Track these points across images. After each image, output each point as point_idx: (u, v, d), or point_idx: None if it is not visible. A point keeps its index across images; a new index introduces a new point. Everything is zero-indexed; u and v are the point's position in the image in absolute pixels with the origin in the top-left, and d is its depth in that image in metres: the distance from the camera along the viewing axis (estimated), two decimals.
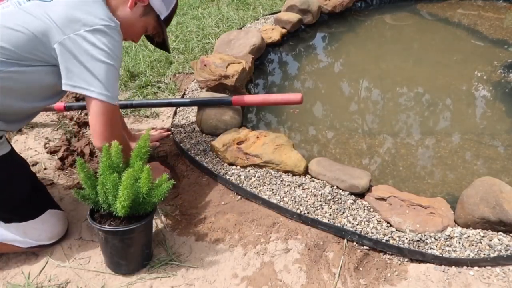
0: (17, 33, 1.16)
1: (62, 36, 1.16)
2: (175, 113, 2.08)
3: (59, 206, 1.45)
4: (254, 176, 1.62)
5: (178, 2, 1.48)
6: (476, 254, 1.27)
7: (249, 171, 1.65)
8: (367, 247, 1.36)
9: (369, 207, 1.46)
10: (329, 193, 1.51)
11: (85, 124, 2.05)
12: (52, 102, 1.37)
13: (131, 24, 1.36)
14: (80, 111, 2.09)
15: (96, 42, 1.18)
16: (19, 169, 1.35)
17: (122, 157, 1.23)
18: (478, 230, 1.34)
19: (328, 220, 1.41)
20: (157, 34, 1.51)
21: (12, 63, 1.17)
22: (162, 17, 1.41)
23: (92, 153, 1.81)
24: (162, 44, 1.57)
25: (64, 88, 1.21)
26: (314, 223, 1.43)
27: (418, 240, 1.32)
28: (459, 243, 1.31)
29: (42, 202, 1.39)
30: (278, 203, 1.49)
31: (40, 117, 2.11)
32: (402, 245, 1.31)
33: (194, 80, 2.38)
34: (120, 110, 2.13)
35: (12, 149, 1.34)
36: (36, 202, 1.37)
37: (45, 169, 1.76)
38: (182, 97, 2.24)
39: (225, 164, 1.69)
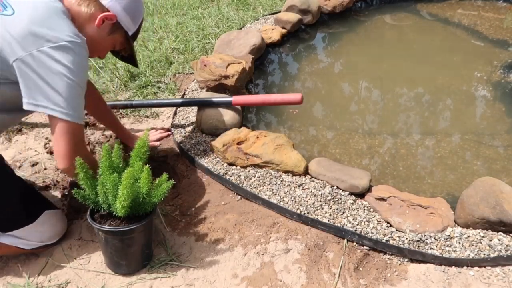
0: None
1: (23, 53, 1.10)
2: (175, 113, 2.08)
3: (54, 205, 1.44)
4: (254, 176, 1.62)
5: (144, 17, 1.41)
6: (476, 254, 1.27)
7: (249, 171, 1.65)
8: (367, 247, 1.36)
9: (369, 207, 1.46)
10: (329, 193, 1.51)
11: (85, 124, 2.05)
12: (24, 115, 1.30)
13: (98, 41, 1.31)
14: None
15: (60, 59, 1.12)
16: (5, 177, 1.31)
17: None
18: (478, 230, 1.34)
19: (328, 220, 1.41)
20: (123, 49, 1.45)
21: None
22: (130, 33, 1.36)
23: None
24: (129, 58, 1.51)
25: (25, 107, 1.13)
26: (314, 223, 1.43)
27: (418, 240, 1.32)
28: (459, 243, 1.31)
29: (36, 206, 1.36)
30: (278, 203, 1.49)
31: (40, 117, 2.11)
32: (402, 245, 1.31)
33: (194, 80, 2.38)
34: (120, 110, 2.14)
35: None
36: (29, 207, 1.33)
37: (45, 169, 1.76)
38: (182, 97, 2.24)
39: (225, 164, 1.69)
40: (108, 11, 1.27)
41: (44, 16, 1.14)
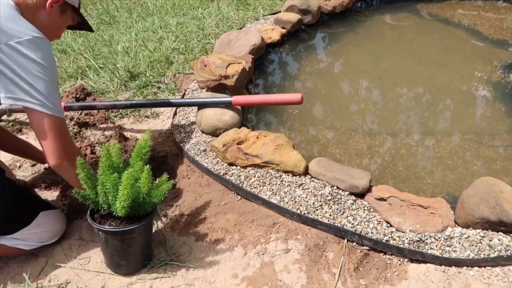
0: None
1: None
2: (175, 113, 2.08)
3: (52, 205, 1.43)
4: (254, 176, 1.62)
5: None
6: (476, 254, 1.27)
7: (249, 171, 1.65)
8: (367, 247, 1.36)
9: (369, 207, 1.46)
10: (329, 193, 1.51)
11: (85, 124, 2.05)
12: None
13: (53, 26, 1.32)
14: (80, 111, 2.09)
15: (29, 54, 1.13)
16: None
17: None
18: (478, 230, 1.34)
19: (328, 220, 1.41)
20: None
21: None
22: (77, 5, 1.37)
23: (92, 153, 1.81)
24: (80, 25, 1.48)
25: (3, 101, 1.14)
26: (314, 223, 1.43)
27: (418, 240, 1.32)
28: (459, 243, 1.31)
29: (30, 208, 1.34)
30: (278, 203, 1.49)
31: None
32: (402, 245, 1.31)
33: (194, 80, 2.38)
34: (120, 110, 2.14)
35: None
36: (24, 209, 1.32)
37: (45, 169, 1.76)
38: (182, 97, 2.24)
39: (225, 164, 1.69)
40: None
41: (7, 12, 1.15)
